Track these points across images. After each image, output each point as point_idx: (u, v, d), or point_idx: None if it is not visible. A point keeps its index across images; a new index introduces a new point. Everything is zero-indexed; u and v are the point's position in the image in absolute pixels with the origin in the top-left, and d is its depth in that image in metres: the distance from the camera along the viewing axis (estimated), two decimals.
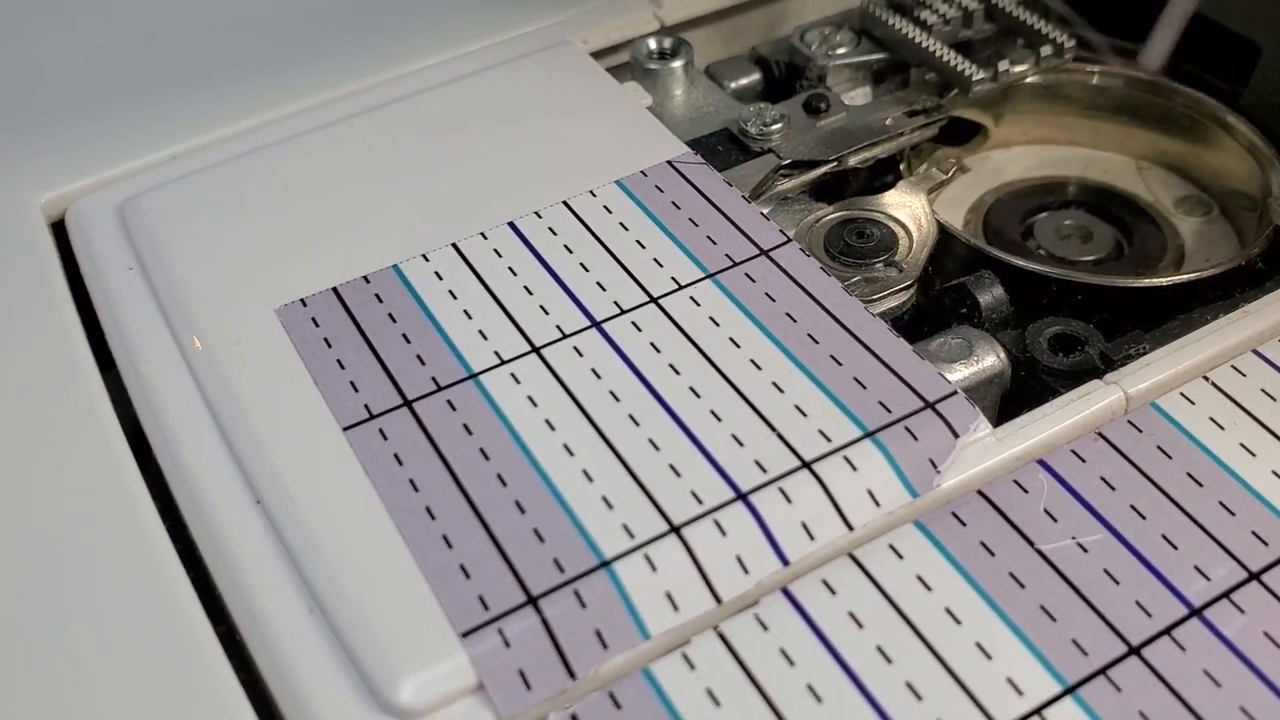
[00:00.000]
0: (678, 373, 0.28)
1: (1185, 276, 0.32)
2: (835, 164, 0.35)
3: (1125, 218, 0.37)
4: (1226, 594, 0.24)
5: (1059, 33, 0.38)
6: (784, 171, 0.35)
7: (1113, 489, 0.26)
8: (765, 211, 0.33)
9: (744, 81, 0.39)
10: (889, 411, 0.26)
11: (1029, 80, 0.38)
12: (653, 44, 0.38)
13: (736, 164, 0.35)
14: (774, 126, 0.35)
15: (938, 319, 0.32)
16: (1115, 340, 0.30)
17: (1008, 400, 0.30)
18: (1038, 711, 0.22)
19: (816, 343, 0.28)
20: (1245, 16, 0.40)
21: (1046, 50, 0.37)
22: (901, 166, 0.36)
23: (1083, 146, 0.40)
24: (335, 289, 0.30)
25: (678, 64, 0.38)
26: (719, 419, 0.26)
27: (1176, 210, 0.38)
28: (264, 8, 0.41)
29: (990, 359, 0.29)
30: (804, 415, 0.26)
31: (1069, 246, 0.36)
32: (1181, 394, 0.28)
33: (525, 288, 0.30)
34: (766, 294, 0.29)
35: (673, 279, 0.30)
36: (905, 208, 0.34)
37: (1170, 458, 0.26)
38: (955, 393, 0.27)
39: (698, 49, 0.41)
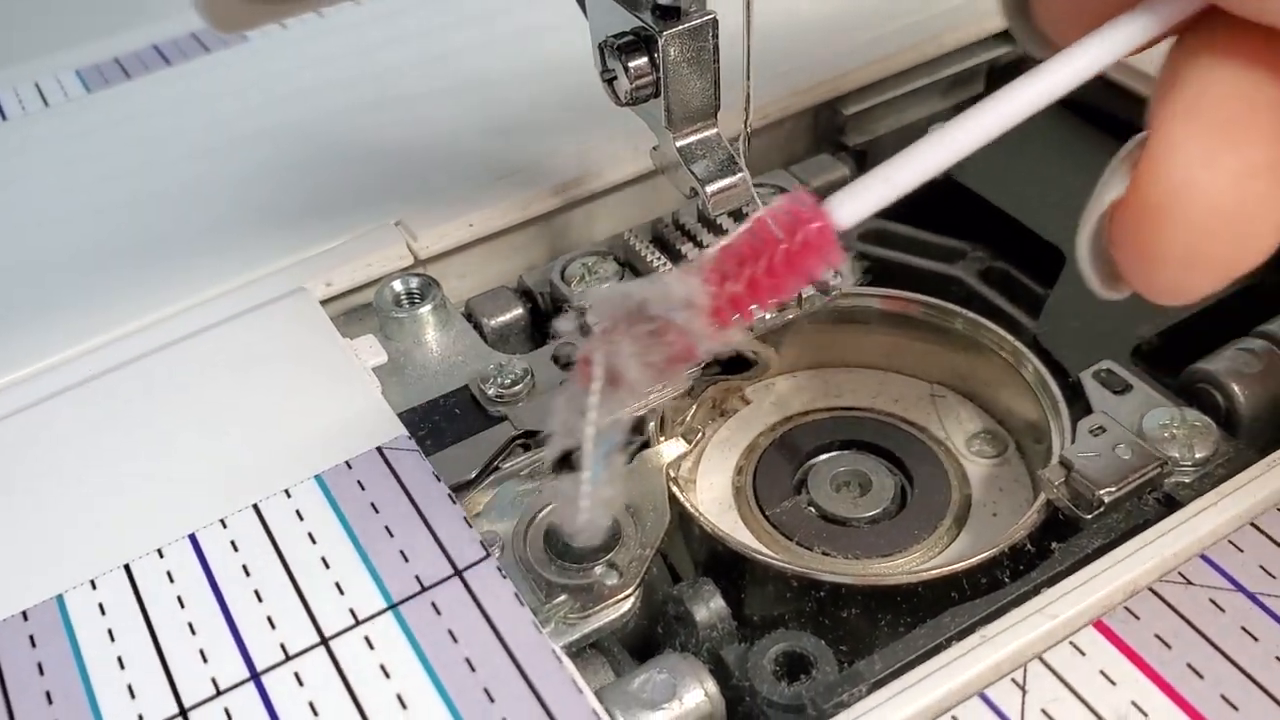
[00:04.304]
0: None
1: (935, 573, 0.29)
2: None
3: (909, 462, 0.34)
4: None
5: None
6: (520, 442, 0.32)
7: None
8: (482, 504, 0.30)
9: (505, 318, 0.36)
10: None
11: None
12: (399, 286, 0.35)
13: (470, 434, 0.32)
14: (514, 388, 0.33)
15: (667, 630, 0.29)
16: (853, 649, 0.27)
17: None
18: None
19: (492, 702, 0.25)
20: (1052, 222, 0.38)
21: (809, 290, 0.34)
22: (651, 427, 0.33)
23: (875, 369, 0.38)
24: None
25: (425, 309, 0.35)
26: None
27: (968, 450, 0.35)
28: None
29: (697, 698, 0.26)
30: None
31: (843, 500, 0.33)
32: None
33: (190, 625, 0.27)
34: (449, 632, 0.26)
35: (351, 611, 0.27)
36: (642, 489, 0.31)
37: None
38: None
39: (462, 276, 0.38)
